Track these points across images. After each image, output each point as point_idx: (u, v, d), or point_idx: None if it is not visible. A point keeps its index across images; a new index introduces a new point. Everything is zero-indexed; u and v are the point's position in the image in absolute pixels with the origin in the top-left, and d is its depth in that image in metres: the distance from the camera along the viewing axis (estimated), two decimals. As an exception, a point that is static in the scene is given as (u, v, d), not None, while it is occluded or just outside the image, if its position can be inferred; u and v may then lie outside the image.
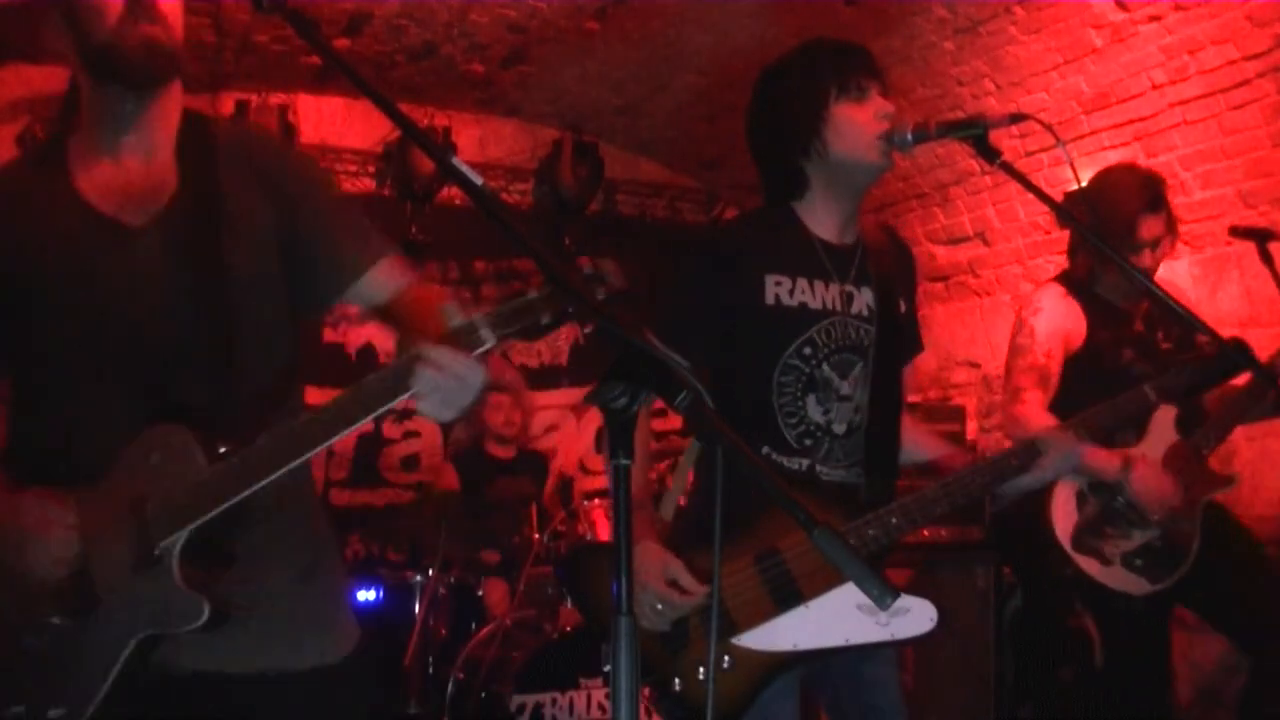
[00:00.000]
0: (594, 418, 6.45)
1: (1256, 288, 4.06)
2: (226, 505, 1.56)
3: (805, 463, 2.18)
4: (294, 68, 5.59)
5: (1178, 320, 2.26)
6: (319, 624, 1.78)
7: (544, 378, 6.40)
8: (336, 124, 6.09)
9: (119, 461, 1.64)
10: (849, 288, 2.24)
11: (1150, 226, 3.04)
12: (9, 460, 1.73)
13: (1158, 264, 3.12)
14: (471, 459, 5.24)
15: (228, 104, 5.63)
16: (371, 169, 6.17)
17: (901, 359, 2.33)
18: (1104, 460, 2.94)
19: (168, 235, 1.70)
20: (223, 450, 1.59)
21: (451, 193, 6.08)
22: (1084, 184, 3.16)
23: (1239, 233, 3.29)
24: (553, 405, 6.42)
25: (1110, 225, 2.99)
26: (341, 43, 5.30)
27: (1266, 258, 3.12)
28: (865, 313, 2.25)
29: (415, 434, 6.11)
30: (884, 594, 1.18)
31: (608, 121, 6.39)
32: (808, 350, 2.18)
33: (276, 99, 5.63)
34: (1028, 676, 4.60)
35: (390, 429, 5.95)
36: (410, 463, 6.03)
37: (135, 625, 1.59)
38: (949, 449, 2.42)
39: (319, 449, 1.56)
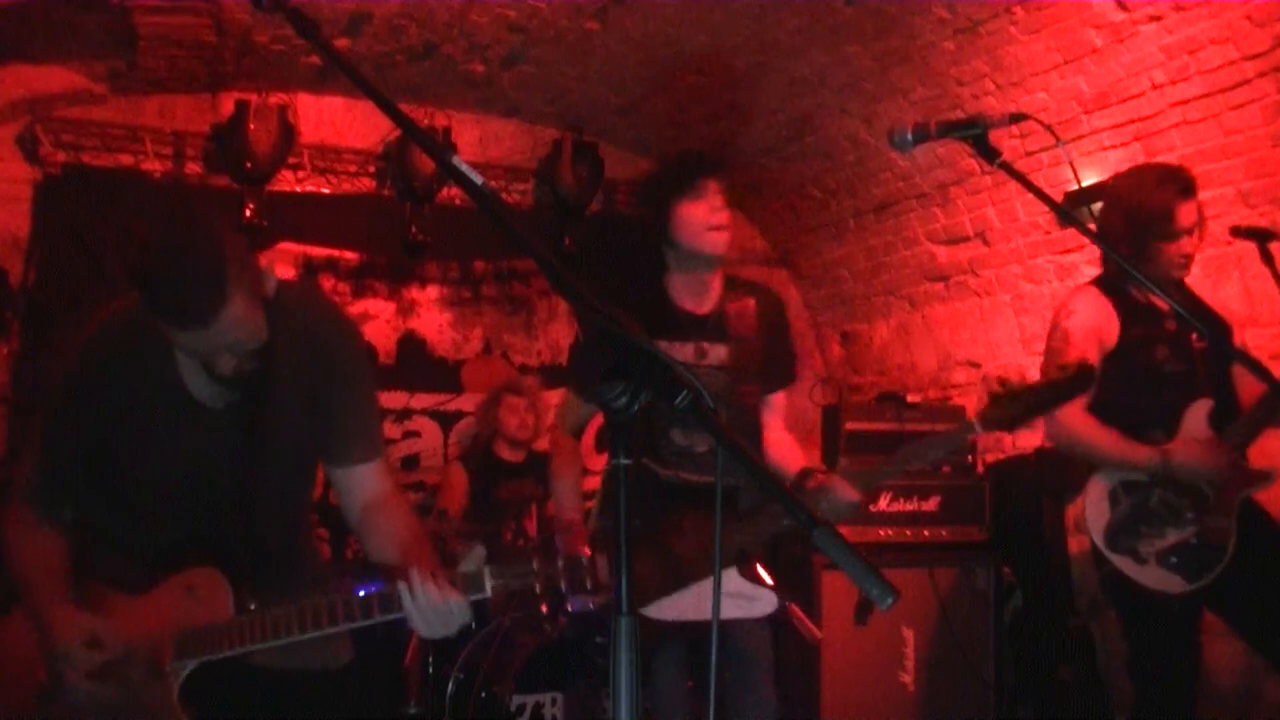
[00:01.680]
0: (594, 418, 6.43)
1: (1256, 288, 4.06)
2: (235, 653, 1.97)
3: (674, 473, 2.87)
4: (294, 68, 5.59)
5: (1188, 321, 2.25)
6: (329, 640, 2.11)
7: (545, 378, 6.37)
8: (336, 124, 6.08)
9: (164, 584, 2.05)
10: (704, 345, 2.87)
11: (1187, 212, 3.04)
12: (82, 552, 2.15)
13: (1195, 252, 3.11)
14: (479, 460, 5.23)
15: (228, 104, 5.62)
16: (371, 169, 6.14)
17: (758, 392, 2.93)
18: (1139, 456, 3.00)
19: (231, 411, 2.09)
20: (252, 606, 2.00)
21: (451, 193, 6.06)
22: (1109, 181, 3.16)
23: (1239, 233, 3.29)
24: (554, 405, 6.39)
25: (1146, 216, 3.01)
26: (341, 43, 5.29)
27: (1267, 258, 3.12)
28: (717, 363, 2.88)
29: (415, 434, 6.09)
30: (884, 594, 1.17)
31: (608, 121, 6.39)
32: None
33: (276, 99, 5.61)
34: (1028, 676, 4.61)
35: (390, 429, 5.89)
36: (410, 462, 6.01)
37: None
38: (807, 459, 2.88)
39: (312, 635, 1.94)
